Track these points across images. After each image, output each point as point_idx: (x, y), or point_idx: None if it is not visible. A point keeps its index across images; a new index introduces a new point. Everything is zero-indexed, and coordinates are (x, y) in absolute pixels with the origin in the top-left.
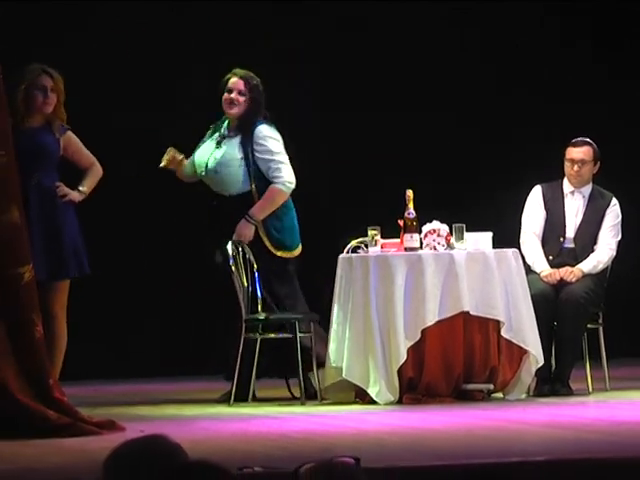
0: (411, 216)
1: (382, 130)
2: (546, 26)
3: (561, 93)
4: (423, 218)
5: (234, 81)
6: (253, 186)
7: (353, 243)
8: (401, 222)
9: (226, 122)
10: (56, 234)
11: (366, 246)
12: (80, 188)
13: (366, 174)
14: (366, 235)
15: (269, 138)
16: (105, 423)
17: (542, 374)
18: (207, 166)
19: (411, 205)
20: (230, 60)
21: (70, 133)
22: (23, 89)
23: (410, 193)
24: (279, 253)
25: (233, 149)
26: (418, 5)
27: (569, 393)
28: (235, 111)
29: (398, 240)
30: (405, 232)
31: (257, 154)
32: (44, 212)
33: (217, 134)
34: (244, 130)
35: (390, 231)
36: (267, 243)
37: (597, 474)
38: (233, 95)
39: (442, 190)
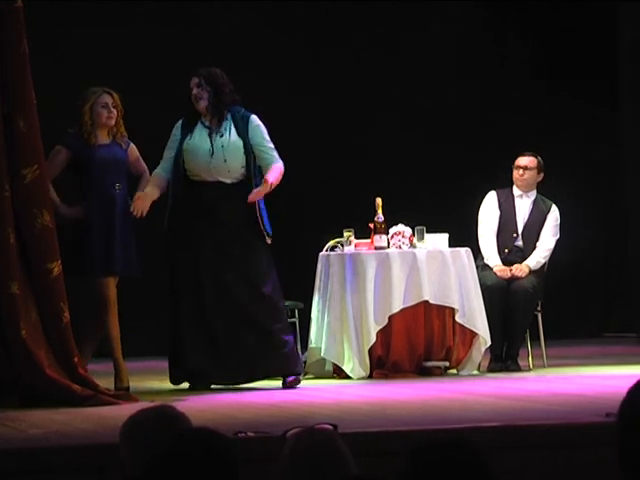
0: (380, 220)
1: (357, 146)
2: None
3: (510, 110)
4: (390, 221)
5: (191, 80)
6: (252, 173)
7: (331, 243)
8: (371, 225)
9: (200, 118)
10: (132, 235)
11: (342, 245)
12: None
13: (342, 184)
14: (342, 236)
15: (261, 126)
16: (121, 394)
17: (495, 353)
18: (213, 154)
19: (380, 211)
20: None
21: (133, 145)
22: (89, 108)
23: (379, 201)
24: (269, 240)
25: (234, 140)
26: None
27: (518, 369)
28: (201, 105)
29: (369, 240)
30: (375, 233)
31: (255, 145)
32: (127, 214)
33: (200, 129)
34: (221, 116)
35: (362, 233)
36: (262, 228)
37: (537, 437)
38: (194, 92)
39: (406, 198)
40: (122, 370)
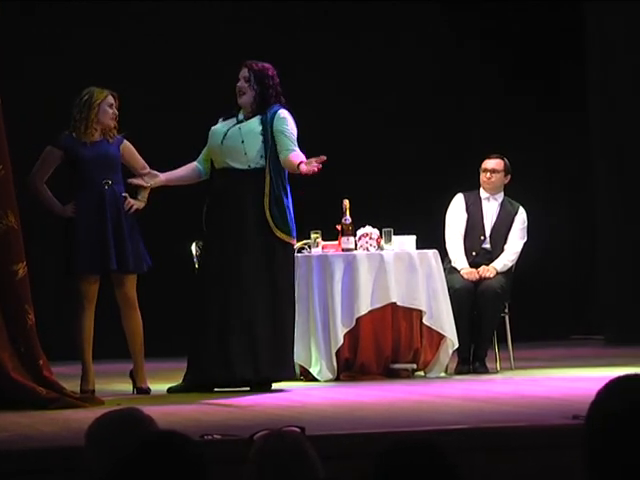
0: (347, 222)
1: (325, 147)
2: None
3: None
4: (358, 223)
5: (241, 70)
6: (268, 162)
7: (298, 244)
8: (339, 227)
9: (240, 113)
10: (132, 231)
11: (309, 247)
12: (139, 197)
13: (310, 186)
14: (309, 238)
15: (288, 120)
16: (87, 397)
17: (462, 355)
18: (226, 135)
19: (347, 213)
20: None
21: (126, 141)
22: (97, 104)
23: (347, 203)
24: (281, 235)
25: (254, 124)
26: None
27: (486, 371)
28: (243, 100)
29: (336, 242)
30: (342, 235)
31: (276, 130)
32: (119, 212)
33: (232, 120)
34: (260, 113)
35: (330, 234)
36: (270, 224)
37: (505, 439)
38: (239, 84)
39: (374, 200)
40: (89, 372)
